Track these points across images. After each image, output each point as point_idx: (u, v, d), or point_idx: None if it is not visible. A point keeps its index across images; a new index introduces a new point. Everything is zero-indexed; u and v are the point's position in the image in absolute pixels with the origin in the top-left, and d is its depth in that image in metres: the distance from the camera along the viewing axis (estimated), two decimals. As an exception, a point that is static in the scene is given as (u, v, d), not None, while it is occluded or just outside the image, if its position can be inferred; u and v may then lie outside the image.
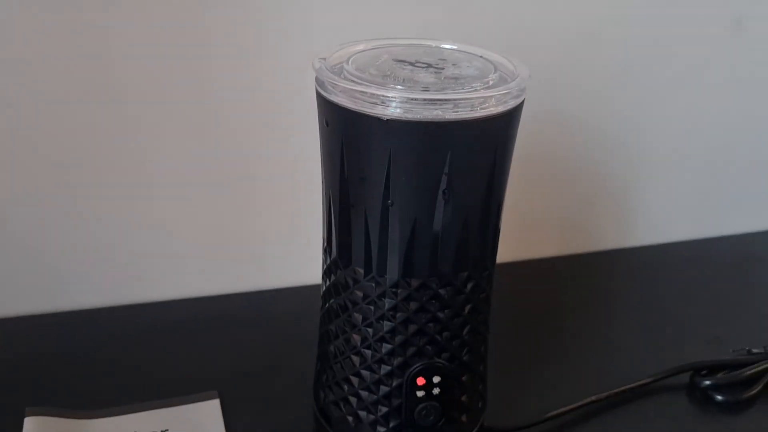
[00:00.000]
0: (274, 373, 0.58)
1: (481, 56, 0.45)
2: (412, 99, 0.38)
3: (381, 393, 0.46)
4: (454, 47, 0.46)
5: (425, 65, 0.43)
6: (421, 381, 0.45)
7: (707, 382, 0.60)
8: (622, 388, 0.58)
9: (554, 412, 0.55)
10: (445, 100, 0.39)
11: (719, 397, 0.59)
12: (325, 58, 0.43)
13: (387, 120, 0.39)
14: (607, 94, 0.73)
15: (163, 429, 0.52)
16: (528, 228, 0.76)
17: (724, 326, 0.68)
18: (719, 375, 0.60)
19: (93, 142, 0.60)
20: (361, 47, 0.45)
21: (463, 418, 0.49)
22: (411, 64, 0.43)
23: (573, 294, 0.72)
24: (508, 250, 0.75)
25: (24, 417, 0.51)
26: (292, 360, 0.58)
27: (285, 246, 0.68)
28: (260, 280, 0.68)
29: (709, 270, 0.78)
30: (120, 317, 0.64)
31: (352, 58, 0.44)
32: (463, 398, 0.48)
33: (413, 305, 0.43)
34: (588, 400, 0.57)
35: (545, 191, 0.76)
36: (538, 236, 0.77)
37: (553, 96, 0.71)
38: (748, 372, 0.60)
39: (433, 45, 0.47)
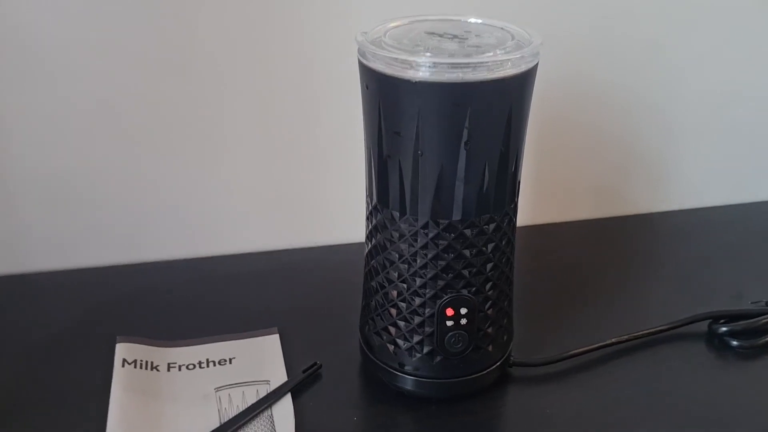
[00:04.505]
0: (327, 315, 0.65)
1: (502, 28, 0.51)
2: (436, 63, 0.45)
3: (415, 322, 0.53)
4: (479, 21, 0.53)
5: (451, 36, 0.50)
6: (450, 311, 0.52)
7: (724, 329, 0.63)
8: (643, 331, 0.63)
9: (576, 351, 0.61)
10: (465, 63, 0.45)
11: (735, 343, 0.63)
12: (366, 32, 0.50)
13: (416, 82, 0.46)
14: (643, 63, 0.77)
15: (231, 357, 0.60)
16: (564, 192, 0.81)
17: (749, 284, 0.71)
18: (736, 323, 0.64)
19: (170, 113, 0.68)
20: (397, 23, 0.52)
21: (489, 348, 0.55)
22: (439, 35, 0.50)
23: (604, 252, 0.77)
24: (544, 213, 0.81)
25: (116, 343, 0.60)
26: (342, 305, 0.65)
27: (337, 207, 0.75)
28: (314, 237, 0.76)
29: (740, 234, 0.81)
30: (193, 268, 0.72)
31: (388, 32, 0.51)
32: (489, 330, 0.54)
33: (441, 243, 0.50)
34: (609, 341, 0.62)
35: (582, 157, 0.80)
36: (574, 200, 0.82)
37: (591, 66, 0.76)
38: (764, 320, 0.64)
39: (461, 20, 0.53)
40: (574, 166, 0.81)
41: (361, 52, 0.49)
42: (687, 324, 0.65)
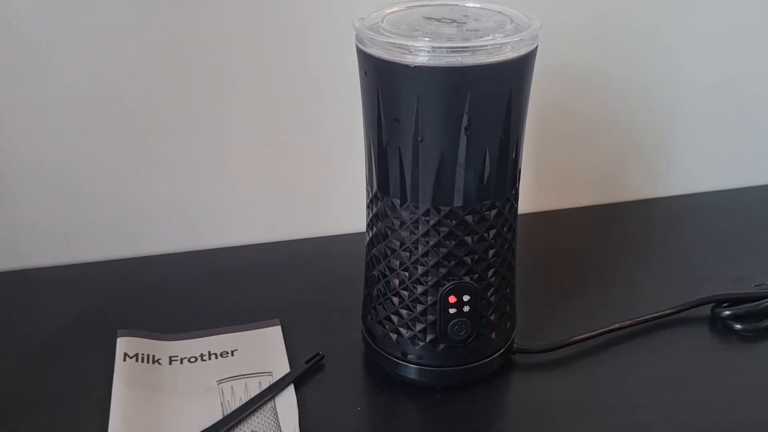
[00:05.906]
0: (328, 305, 0.65)
1: (500, 12, 0.51)
2: (435, 47, 0.45)
3: (418, 310, 0.53)
4: (477, 5, 0.52)
5: (450, 21, 0.49)
6: (452, 299, 0.52)
7: (727, 313, 0.63)
8: (645, 316, 0.63)
9: (579, 337, 0.60)
10: (464, 47, 0.45)
11: (738, 326, 0.63)
12: (363, 18, 0.50)
13: (414, 67, 0.45)
14: (642, 50, 0.77)
15: (233, 349, 0.60)
16: (564, 179, 0.81)
17: (749, 268, 0.71)
18: (739, 306, 0.63)
19: (168, 105, 0.68)
20: (394, 8, 0.52)
21: (493, 335, 0.55)
22: (437, 20, 0.50)
23: (605, 239, 0.76)
24: (544, 200, 0.81)
25: (117, 337, 0.59)
26: (344, 295, 0.64)
27: (337, 196, 0.75)
28: (315, 228, 0.75)
29: (739, 218, 0.80)
30: (193, 260, 0.72)
31: (386, 18, 0.50)
32: (492, 317, 0.54)
33: (443, 230, 0.50)
34: (611, 327, 0.62)
35: (581, 144, 0.80)
36: (573, 187, 0.82)
37: (589, 54, 0.75)
38: (767, 303, 0.63)
39: (459, 4, 0.53)
40: (573, 154, 0.80)
41: (359, 38, 0.49)
42: (690, 308, 0.64)
